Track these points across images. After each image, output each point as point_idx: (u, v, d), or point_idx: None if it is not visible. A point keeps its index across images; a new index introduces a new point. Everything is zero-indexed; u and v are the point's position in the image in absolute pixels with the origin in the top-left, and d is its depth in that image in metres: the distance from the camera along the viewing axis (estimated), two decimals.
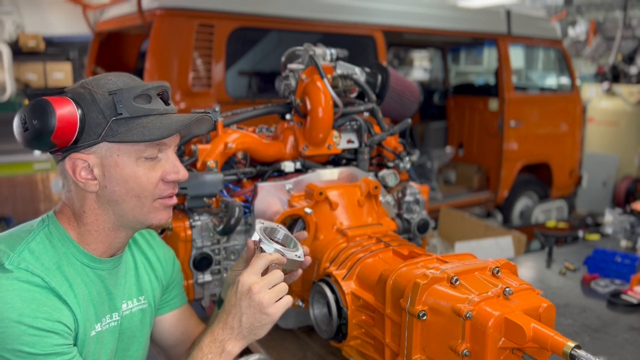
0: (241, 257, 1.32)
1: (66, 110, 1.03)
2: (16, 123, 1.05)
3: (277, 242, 1.31)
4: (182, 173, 1.16)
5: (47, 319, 1.01)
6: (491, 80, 6.31)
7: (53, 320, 1.02)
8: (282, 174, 1.75)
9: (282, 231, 1.35)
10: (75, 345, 1.09)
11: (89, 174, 1.09)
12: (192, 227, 1.57)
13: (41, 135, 1.02)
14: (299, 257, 1.26)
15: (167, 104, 1.13)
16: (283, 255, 1.22)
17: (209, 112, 1.18)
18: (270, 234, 1.32)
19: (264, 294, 1.12)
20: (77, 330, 1.09)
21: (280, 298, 1.15)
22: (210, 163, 1.62)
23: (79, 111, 1.04)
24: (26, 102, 6.28)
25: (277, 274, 1.16)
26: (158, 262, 1.35)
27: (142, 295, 1.28)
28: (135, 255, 1.31)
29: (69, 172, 1.09)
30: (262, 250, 1.22)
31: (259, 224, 1.30)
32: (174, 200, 1.19)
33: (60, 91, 1.08)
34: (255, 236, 1.25)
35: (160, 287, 1.34)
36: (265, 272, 1.17)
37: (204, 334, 1.18)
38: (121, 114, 1.06)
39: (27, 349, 0.99)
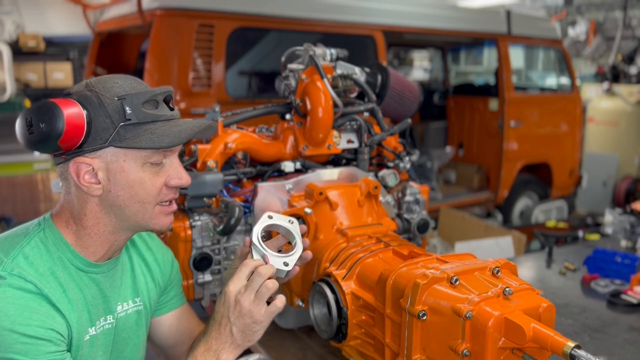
0: (236, 256, 1.32)
1: (74, 114, 1.01)
2: (20, 125, 1.03)
3: (275, 238, 1.30)
4: (185, 179, 1.16)
5: (39, 327, 1.00)
6: (491, 80, 6.31)
7: (46, 328, 1.01)
8: (282, 174, 1.75)
9: (283, 226, 1.29)
10: (69, 350, 1.08)
11: (93, 178, 1.07)
12: (192, 227, 1.57)
13: (48, 138, 1.00)
14: (287, 265, 1.20)
15: (171, 108, 1.12)
16: (267, 262, 1.18)
17: (213, 121, 1.18)
18: (270, 228, 1.29)
19: (251, 303, 1.11)
20: (70, 336, 1.08)
21: (270, 299, 1.14)
22: (210, 163, 1.61)
23: (86, 114, 1.02)
24: (27, 102, 6.28)
25: (257, 279, 1.13)
26: (156, 263, 1.35)
27: (137, 296, 1.28)
28: (132, 257, 1.30)
29: (71, 176, 1.07)
30: (251, 252, 1.20)
31: (266, 221, 1.26)
32: (174, 207, 1.19)
33: (65, 93, 1.06)
34: (253, 233, 1.22)
35: (156, 289, 1.34)
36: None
37: (199, 342, 1.17)
38: (130, 119, 1.04)
39: (19, 357, 0.98)
